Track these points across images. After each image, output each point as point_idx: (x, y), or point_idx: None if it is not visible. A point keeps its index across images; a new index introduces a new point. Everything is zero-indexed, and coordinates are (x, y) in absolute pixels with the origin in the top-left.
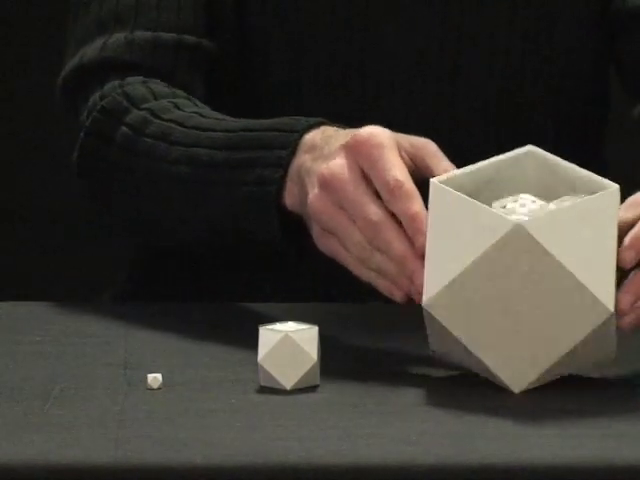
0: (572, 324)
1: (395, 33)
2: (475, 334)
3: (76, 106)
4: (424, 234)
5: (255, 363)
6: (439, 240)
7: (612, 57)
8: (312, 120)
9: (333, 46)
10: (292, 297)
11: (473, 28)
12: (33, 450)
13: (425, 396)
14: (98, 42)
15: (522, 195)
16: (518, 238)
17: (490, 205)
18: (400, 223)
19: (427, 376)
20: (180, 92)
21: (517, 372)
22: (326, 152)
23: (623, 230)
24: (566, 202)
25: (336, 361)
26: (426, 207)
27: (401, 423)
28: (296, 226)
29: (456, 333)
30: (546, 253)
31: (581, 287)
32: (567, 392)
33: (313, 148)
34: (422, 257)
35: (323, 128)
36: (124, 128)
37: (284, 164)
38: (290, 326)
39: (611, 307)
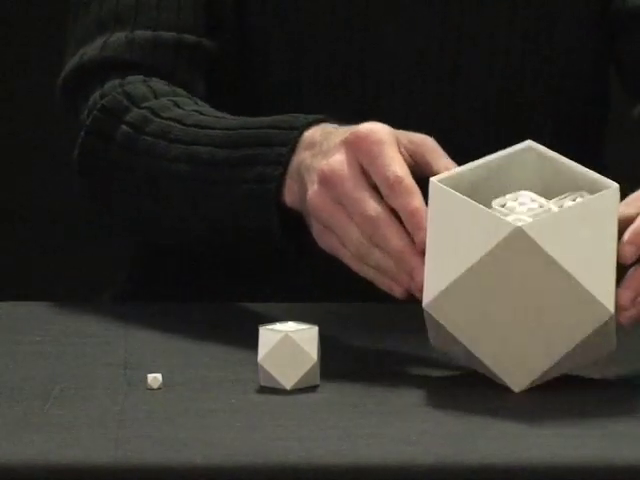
0: (572, 325)
1: (395, 33)
2: (475, 335)
3: (76, 106)
4: (424, 230)
5: (255, 363)
6: (439, 240)
7: (612, 57)
8: (312, 117)
9: (333, 46)
10: (292, 297)
11: (473, 28)
12: (33, 450)
13: (425, 396)
14: (98, 41)
15: (522, 192)
16: (518, 241)
17: (490, 203)
18: (399, 219)
19: (427, 376)
20: (180, 91)
21: (517, 372)
22: (325, 148)
23: (623, 226)
24: (566, 201)
25: (336, 361)
26: (426, 205)
27: (401, 423)
28: (296, 224)
29: (456, 334)
30: (546, 255)
31: (581, 289)
32: (567, 392)
33: (313, 145)
34: (422, 253)
35: (323, 125)
36: (124, 127)
37: (284, 161)
38: (290, 326)
39: (611, 308)
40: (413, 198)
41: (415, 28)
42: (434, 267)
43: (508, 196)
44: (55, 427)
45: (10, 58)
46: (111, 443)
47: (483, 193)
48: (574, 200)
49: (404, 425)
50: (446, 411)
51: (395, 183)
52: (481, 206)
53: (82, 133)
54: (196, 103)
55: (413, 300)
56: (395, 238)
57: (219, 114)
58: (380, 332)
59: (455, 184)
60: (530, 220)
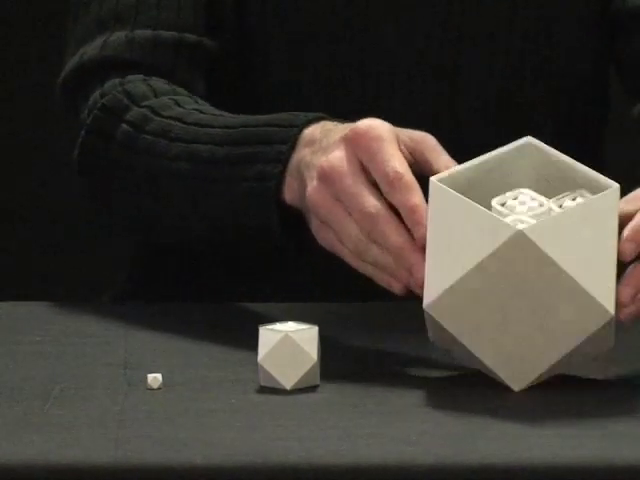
0: (573, 326)
1: (395, 33)
2: (476, 336)
3: (76, 105)
4: (424, 226)
5: (255, 363)
6: (440, 240)
7: (612, 57)
8: (311, 115)
9: (333, 46)
10: (292, 297)
11: (473, 28)
12: (33, 450)
13: (425, 396)
14: (98, 41)
15: (522, 190)
16: (520, 244)
17: (490, 201)
18: (399, 216)
19: (427, 376)
20: (181, 90)
21: (517, 372)
22: (325, 145)
23: (623, 223)
24: (565, 200)
25: (336, 361)
26: (427, 202)
27: (401, 423)
28: (296, 221)
29: (457, 334)
30: (547, 258)
31: (582, 290)
32: (567, 392)
33: (312, 142)
34: (422, 249)
35: (322, 123)
36: (124, 126)
37: (283, 159)
38: (290, 326)
39: (612, 310)
40: (413, 194)
41: (415, 28)
42: (435, 267)
43: (508, 194)
44: (55, 427)
45: (10, 58)
46: (111, 443)
47: (483, 190)
48: (574, 199)
49: (404, 425)
50: (446, 411)
51: (395, 179)
52: (482, 208)
53: (82, 132)
54: (196, 102)
55: (412, 296)
56: (394, 234)
57: (219, 112)
58: (380, 332)
59: (455, 183)
60: (531, 221)
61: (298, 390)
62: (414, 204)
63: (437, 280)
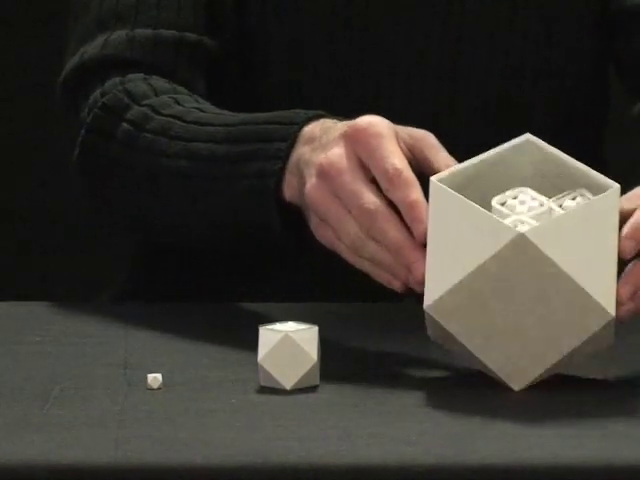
0: (573, 328)
1: (395, 33)
2: (476, 337)
3: (77, 104)
4: (423, 222)
5: (255, 363)
6: (440, 241)
7: (612, 57)
8: (311, 112)
9: (333, 46)
10: (292, 297)
11: (473, 28)
12: (33, 450)
13: (425, 396)
14: (99, 40)
15: (522, 189)
16: (521, 247)
17: (490, 200)
18: (398, 213)
19: (427, 376)
20: (181, 88)
21: (517, 372)
22: (324, 142)
23: (623, 220)
24: (565, 199)
25: (336, 361)
26: (427, 200)
27: (401, 423)
28: (296, 219)
29: (457, 335)
30: (548, 260)
31: (582, 292)
32: (567, 392)
33: (312, 139)
34: (422, 246)
35: (322, 120)
36: (125, 124)
37: (283, 156)
38: (290, 326)
39: (612, 311)
40: (412, 191)
41: (415, 28)
42: (435, 268)
43: (508, 193)
44: (55, 427)
45: (10, 58)
46: (111, 443)
47: (483, 188)
48: (574, 199)
49: (404, 425)
50: (446, 411)
51: (394, 176)
52: (483, 209)
53: (82, 131)
54: (197, 101)
55: (412, 293)
56: (393, 231)
57: (219, 111)
58: (380, 332)
59: (455, 182)
60: (531, 221)
61: (298, 390)
62: (413, 200)
63: (438, 281)
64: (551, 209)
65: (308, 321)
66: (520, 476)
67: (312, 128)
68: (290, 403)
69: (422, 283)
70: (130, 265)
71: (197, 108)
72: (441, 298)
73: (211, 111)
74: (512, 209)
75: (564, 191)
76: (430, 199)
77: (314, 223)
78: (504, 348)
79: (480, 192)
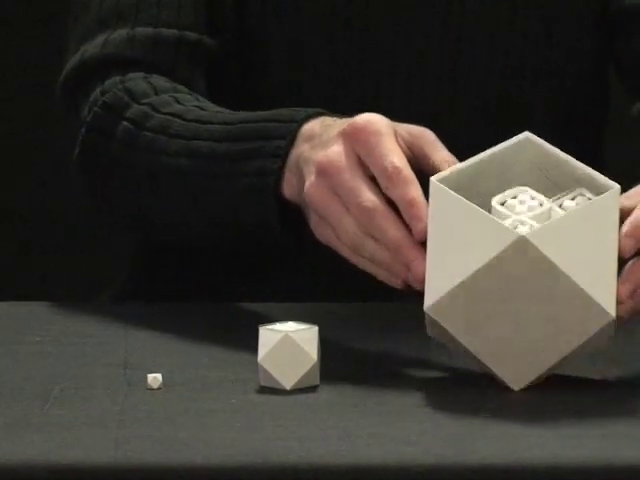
0: (573, 328)
1: (395, 33)
2: (476, 338)
3: (77, 103)
4: (422, 220)
5: (255, 363)
6: (441, 241)
7: (612, 57)
8: (311, 110)
9: (333, 46)
10: (292, 297)
11: (473, 28)
12: (33, 450)
13: (425, 396)
14: (99, 39)
15: (521, 188)
16: (521, 249)
17: (490, 199)
18: (397, 211)
19: (427, 376)
20: (181, 87)
21: (517, 372)
22: (324, 140)
23: (623, 218)
24: (565, 199)
25: (336, 361)
26: (426, 198)
27: (401, 423)
28: (296, 217)
29: (457, 336)
30: (549, 262)
31: (583, 293)
32: (567, 392)
33: (312, 137)
34: (421, 244)
35: (322, 118)
36: (125, 123)
37: (282, 154)
38: (290, 326)
39: (613, 312)
40: (411, 188)
41: (415, 28)
42: (435, 269)
43: (507, 192)
44: (55, 427)
45: (10, 58)
46: (111, 443)
47: (483, 187)
48: (573, 198)
49: (404, 425)
50: (446, 411)
51: (393, 174)
52: (483, 211)
53: (83, 130)
54: (197, 99)
55: (412, 291)
56: (392, 229)
57: (219, 109)
58: (380, 332)
59: (455, 181)
60: (531, 222)
61: (298, 390)
62: (412, 198)
63: (438, 282)
64: (551, 209)
65: (308, 321)
66: (520, 476)
67: (312, 126)
68: (290, 403)
69: (422, 281)
70: (130, 265)
71: (197, 106)
72: (441, 299)
73: (211, 109)
74: (512, 209)
75: (563, 189)
76: (430, 200)
77: (314, 221)
78: (504, 348)
79: (480, 191)
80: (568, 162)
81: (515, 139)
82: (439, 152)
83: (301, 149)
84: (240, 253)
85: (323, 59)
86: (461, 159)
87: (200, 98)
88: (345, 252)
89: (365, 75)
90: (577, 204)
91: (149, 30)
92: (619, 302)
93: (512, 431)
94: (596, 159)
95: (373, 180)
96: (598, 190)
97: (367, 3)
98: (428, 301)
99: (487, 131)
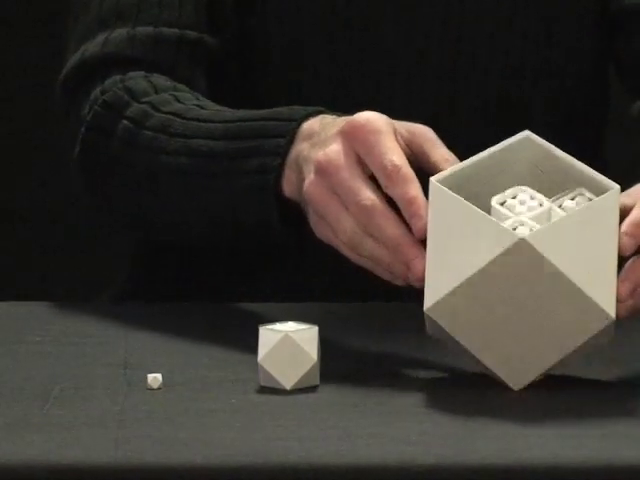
0: (573, 329)
1: (395, 33)
2: (476, 337)
3: (77, 102)
4: (422, 218)
5: (255, 363)
6: (440, 243)
7: (612, 57)
8: (310, 109)
9: (333, 46)
10: (292, 297)
11: (473, 28)
12: (33, 450)
13: (425, 396)
14: (100, 38)
15: (521, 188)
16: (521, 251)
17: (490, 201)
18: (397, 210)
19: (427, 376)
20: (181, 86)
21: (517, 372)
22: (323, 138)
23: (622, 216)
24: (565, 199)
25: (336, 361)
26: (426, 196)
27: (401, 423)
28: (296, 215)
29: (457, 337)
30: (549, 264)
31: (583, 295)
32: (567, 392)
33: (311, 135)
34: (420, 243)
35: (321, 116)
36: (125, 121)
37: (282, 152)
38: (290, 326)
39: (612, 313)
40: (411, 187)
41: (415, 28)
42: (435, 270)
43: (507, 192)
44: (55, 427)
45: (10, 58)
46: (111, 443)
47: (483, 186)
48: (573, 198)
49: (404, 425)
50: (446, 411)
51: (393, 172)
52: (483, 213)
53: (83, 129)
54: (197, 98)
55: (413, 289)
56: (391, 227)
57: (219, 108)
58: (380, 332)
59: (455, 181)
60: (531, 223)
61: (298, 390)
62: (412, 196)
63: (438, 283)
64: (551, 209)
65: (308, 321)
66: (520, 476)
67: (311, 124)
68: (290, 403)
69: (421, 280)
70: (130, 264)
71: (197, 105)
72: (441, 300)
73: (211, 108)
74: (512, 209)
75: (563, 188)
76: (430, 200)
77: (313, 220)
78: (504, 349)
79: (479, 190)
80: (568, 161)
81: (515, 138)
82: (438, 150)
83: (301, 147)
84: (240, 253)
85: (323, 59)
86: (461, 159)
87: (200, 97)
88: (345, 251)
89: (365, 75)
90: (577, 204)
91: (150, 29)
92: (619, 300)
93: (512, 431)
94: (596, 159)
95: (372, 179)
96: (598, 190)
97: (367, 3)
98: (428, 302)
99: (487, 131)
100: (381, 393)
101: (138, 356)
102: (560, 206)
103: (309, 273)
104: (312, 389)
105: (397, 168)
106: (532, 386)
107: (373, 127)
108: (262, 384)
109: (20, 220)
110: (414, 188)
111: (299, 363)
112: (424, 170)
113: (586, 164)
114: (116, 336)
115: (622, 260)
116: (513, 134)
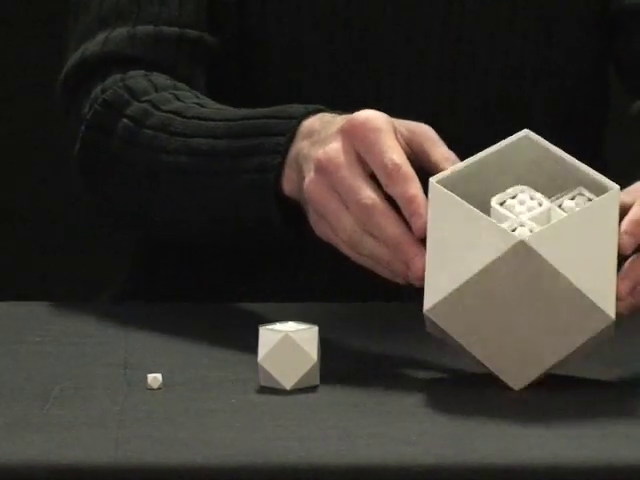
0: (573, 330)
1: (395, 33)
2: (476, 339)
3: (77, 101)
4: (422, 217)
5: (255, 363)
6: (440, 244)
7: (612, 57)
8: (311, 107)
9: (333, 46)
10: (292, 297)
11: (473, 28)
12: (33, 450)
13: (425, 396)
14: (100, 37)
15: (521, 188)
16: (521, 252)
17: (489, 201)
18: (397, 209)
19: (427, 376)
20: (181, 85)
21: (517, 373)
22: (323, 136)
23: (622, 214)
24: (565, 199)
25: (336, 361)
26: (426, 195)
27: (401, 423)
28: (296, 213)
29: (457, 338)
30: (549, 266)
31: (583, 296)
32: (567, 392)
33: (311, 134)
34: (420, 241)
35: (321, 115)
36: (125, 120)
37: (282, 151)
38: (290, 326)
39: (612, 314)
40: (411, 185)
41: (415, 28)
42: (435, 271)
43: (508, 191)
44: (55, 427)
45: (10, 58)
46: (111, 443)
47: (483, 185)
48: (573, 198)
49: (404, 425)
50: (446, 411)
51: (393, 171)
52: (483, 214)
53: (83, 127)
54: (197, 96)
55: (413, 287)
56: (391, 226)
57: (219, 106)
58: (380, 332)
59: (454, 181)
60: (531, 224)
61: (298, 390)
62: (412, 195)
63: (437, 284)
64: (550, 209)
65: (308, 321)
66: (520, 476)
67: (311, 122)
68: (290, 403)
69: (421, 278)
70: (130, 264)
71: (197, 104)
72: (440, 302)
73: (211, 107)
74: (511, 209)
75: (562, 188)
76: (430, 201)
77: (313, 218)
78: (504, 350)
79: (479, 189)
80: (568, 161)
81: (515, 137)
82: (439, 149)
83: (301, 145)
84: (240, 252)
85: (323, 59)
86: (461, 159)
87: (200, 95)
88: (344, 249)
89: (365, 75)
90: (577, 204)
91: (150, 28)
92: (619, 299)
93: (512, 431)
94: (596, 159)
95: (372, 177)
96: (598, 190)
97: (367, 3)
98: (427, 303)
99: (487, 131)
100: (381, 393)
101: (138, 356)
102: (560, 206)
103: (309, 273)
104: (312, 389)
105: (397, 167)
106: (532, 386)
107: (373, 125)
108: (262, 384)
109: (20, 220)
110: (414, 187)
111: (299, 363)
112: (424, 169)
113: (586, 164)
114: (116, 336)
115: (622, 258)
116: (513, 134)
